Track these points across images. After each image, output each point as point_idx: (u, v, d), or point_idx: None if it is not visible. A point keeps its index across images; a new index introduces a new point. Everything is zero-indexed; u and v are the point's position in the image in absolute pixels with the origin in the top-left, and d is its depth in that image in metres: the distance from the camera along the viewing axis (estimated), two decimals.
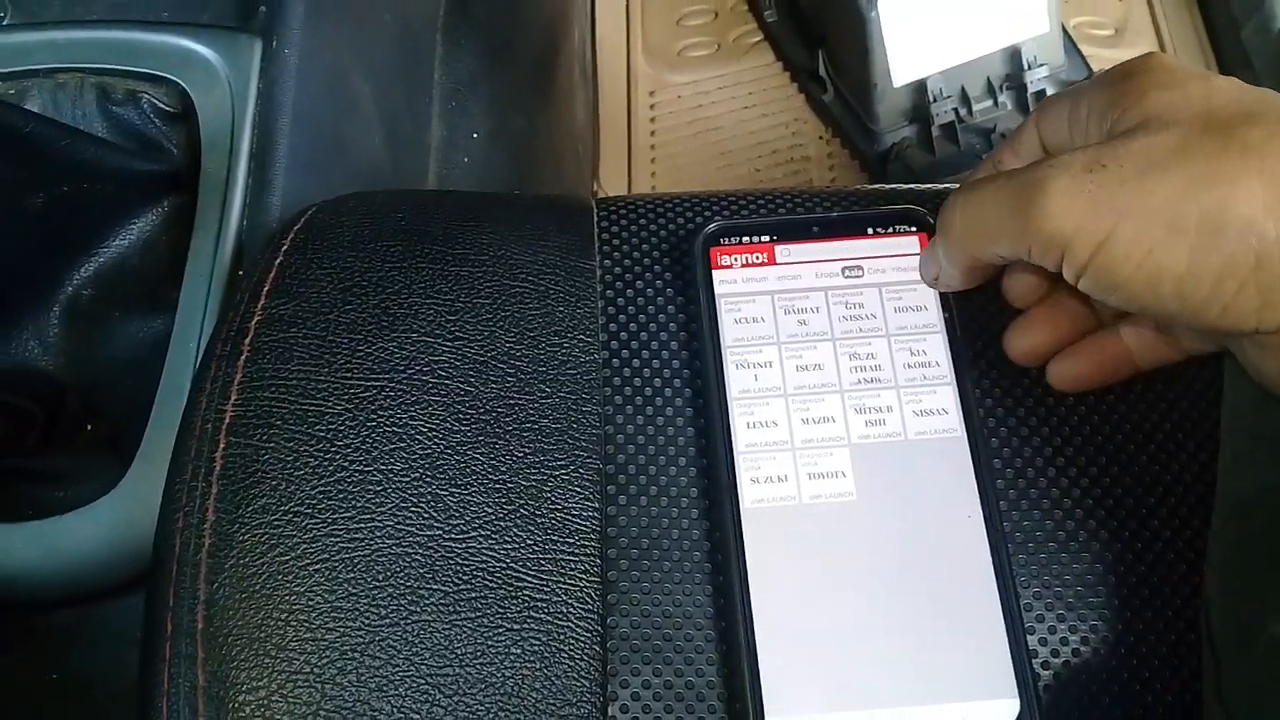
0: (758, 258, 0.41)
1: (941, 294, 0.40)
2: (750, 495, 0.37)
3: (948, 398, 0.39)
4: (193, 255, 0.51)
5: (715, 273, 0.41)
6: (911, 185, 0.47)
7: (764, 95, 0.95)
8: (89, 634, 0.50)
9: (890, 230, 0.42)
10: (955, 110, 0.87)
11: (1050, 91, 0.87)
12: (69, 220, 0.53)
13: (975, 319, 0.41)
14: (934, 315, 0.40)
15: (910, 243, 0.41)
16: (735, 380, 0.39)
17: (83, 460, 0.52)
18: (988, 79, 0.86)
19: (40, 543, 0.47)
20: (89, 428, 0.53)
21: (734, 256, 0.41)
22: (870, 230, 0.42)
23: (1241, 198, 0.27)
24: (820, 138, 0.93)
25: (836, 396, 0.39)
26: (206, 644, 0.34)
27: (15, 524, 0.48)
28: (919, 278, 0.40)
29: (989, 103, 0.87)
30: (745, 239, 0.42)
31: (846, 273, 0.41)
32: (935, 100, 0.86)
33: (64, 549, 0.47)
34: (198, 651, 0.34)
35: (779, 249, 0.41)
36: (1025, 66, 0.86)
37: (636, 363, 0.41)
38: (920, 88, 0.86)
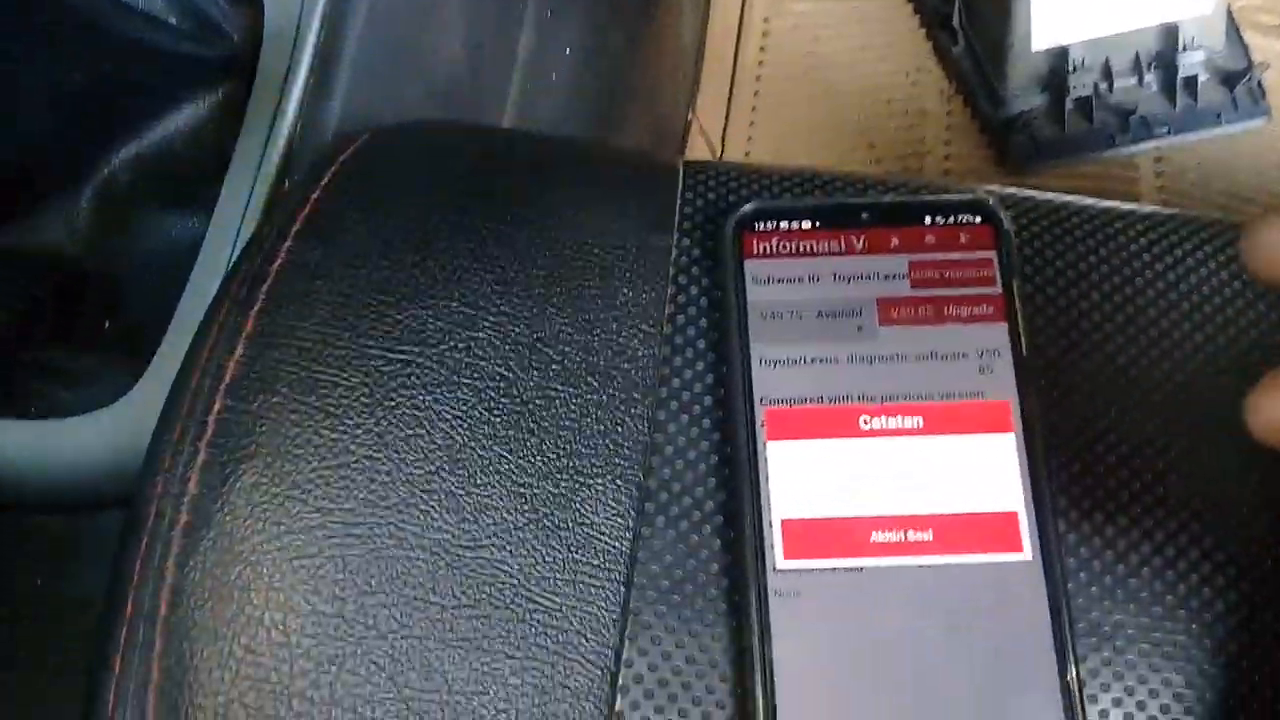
0: (801, 246, 0.37)
1: (1008, 303, 0.36)
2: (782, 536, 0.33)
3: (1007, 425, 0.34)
4: (238, 156, 0.47)
5: (747, 263, 0.37)
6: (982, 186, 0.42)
7: (886, 37, 0.89)
8: (80, 546, 0.48)
9: (953, 221, 0.37)
10: (1095, 84, 0.81)
11: (1203, 79, 0.80)
12: (110, 101, 0.49)
13: (1052, 321, 0.36)
14: (1000, 326, 0.36)
15: (975, 237, 0.37)
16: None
17: (97, 360, 0.49)
18: (1136, 54, 0.80)
19: (40, 443, 0.45)
20: (107, 324, 0.50)
21: (770, 243, 0.37)
22: (929, 220, 0.37)
23: None
24: (941, 93, 0.87)
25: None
26: (166, 633, 0.31)
27: (17, 420, 0.45)
28: (982, 276, 0.36)
29: (1133, 80, 0.81)
30: (785, 224, 0.37)
31: (899, 269, 0.37)
32: (1074, 70, 0.80)
33: (64, 453, 0.45)
34: (156, 640, 0.31)
35: (819, 240, 0.37)
36: (1180, 47, 0.79)
37: (700, 365, 0.36)
38: (1060, 54, 0.80)
